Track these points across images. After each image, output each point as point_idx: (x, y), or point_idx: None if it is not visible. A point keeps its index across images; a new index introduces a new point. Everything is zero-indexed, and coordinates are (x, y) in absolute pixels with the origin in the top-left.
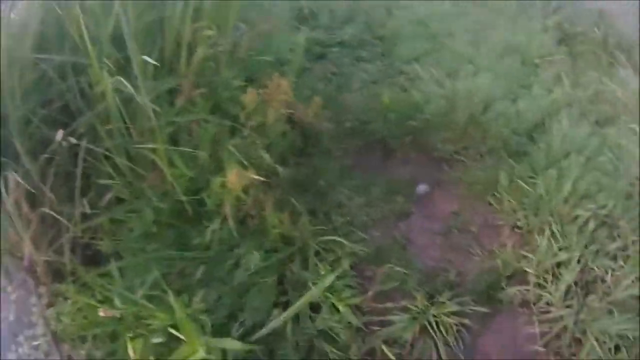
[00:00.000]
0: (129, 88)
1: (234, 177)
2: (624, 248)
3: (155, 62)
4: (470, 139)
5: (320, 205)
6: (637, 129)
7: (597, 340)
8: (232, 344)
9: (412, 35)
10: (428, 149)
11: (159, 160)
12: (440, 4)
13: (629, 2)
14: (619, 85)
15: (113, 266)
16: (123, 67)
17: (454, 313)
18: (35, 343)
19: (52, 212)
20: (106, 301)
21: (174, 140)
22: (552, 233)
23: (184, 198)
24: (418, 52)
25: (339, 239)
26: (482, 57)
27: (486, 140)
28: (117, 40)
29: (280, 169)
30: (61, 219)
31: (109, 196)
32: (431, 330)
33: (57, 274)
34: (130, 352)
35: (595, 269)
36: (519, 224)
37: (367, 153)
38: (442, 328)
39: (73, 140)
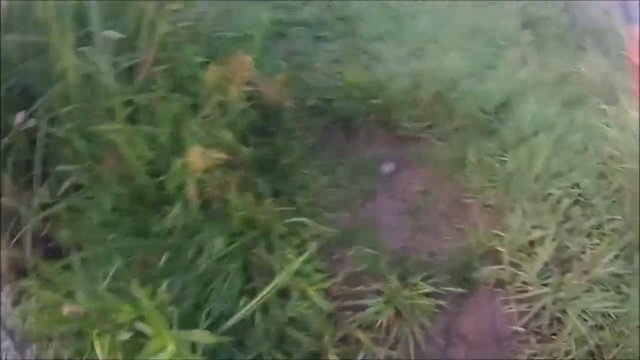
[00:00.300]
0: (91, 62)
1: (195, 157)
2: (599, 226)
3: (119, 34)
4: (436, 117)
5: (283, 186)
6: (607, 109)
7: (578, 319)
8: (203, 337)
9: (374, 16)
10: (393, 128)
11: (118, 140)
12: None
13: None
14: (587, 68)
15: (74, 258)
16: (84, 44)
17: (428, 295)
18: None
19: (10, 202)
20: (70, 296)
21: (133, 120)
22: (524, 211)
23: (143, 180)
24: (381, 32)
25: (304, 220)
26: (446, 37)
27: (452, 118)
28: (81, 18)
29: (242, 148)
30: (19, 209)
31: (67, 183)
32: (405, 313)
33: (22, 269)
34: (98, 351)
35: (571, 246)
36: (489, 202)
37: (331, 132)
38: (416, 311)
39: (33, 122)
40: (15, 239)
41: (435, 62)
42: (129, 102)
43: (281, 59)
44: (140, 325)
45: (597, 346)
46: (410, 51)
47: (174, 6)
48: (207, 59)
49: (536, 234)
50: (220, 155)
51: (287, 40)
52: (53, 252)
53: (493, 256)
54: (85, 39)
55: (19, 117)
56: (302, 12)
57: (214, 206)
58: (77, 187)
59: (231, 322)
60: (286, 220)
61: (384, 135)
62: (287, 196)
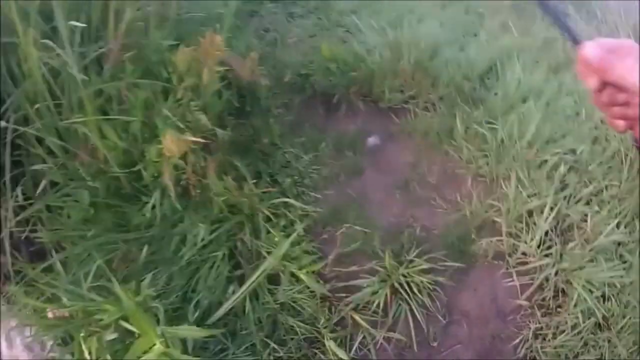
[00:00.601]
0: (56, 55)
1: (170, 143)
2: (597, 193)
3: (82, 24)
4: (419, 86)
5: (265, 167)
6: None
7: (583, 289)
8: (191, 331)
9: None
10: (375, 100)
11: (89, 132)
12: None
13: None
14: None
15: (55, 259)
16: (50, 39)
17: (425, 271)
18: None
19: None
20: (54, 299)
21: (104, 111)
22: (519, 179)
23: (118, 171)
24: (355, 5)
25: (289, 200)
26: (423, 6)
27: (436, 87)
28: (47, 13)
29: (219, 131)
30: None
31: (44, 183)
32: (403, 292)
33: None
34: (86, 353)
35: (571, 215)
36: (481, 172)
37: (311, 108)
38: (414, 289)
39: (2, 124)
40: None
41: (414, 32)
42: (99, 93)
43: (254, 36)
44: (126, 324)
45: (604, 317)
46: (387, 22)
47: None
48: (177, 42)
49: (534, 203)
50: (195, 139)
51: (259, 17)
52: (36, 254)
53: (490, 228)
54: (52, 34)
55: None
56: None
57: (194, 193)
58: (52, 186)
59: (221, 312)
60: (270, 202)
61: (366, 108)
62: (269, 177)
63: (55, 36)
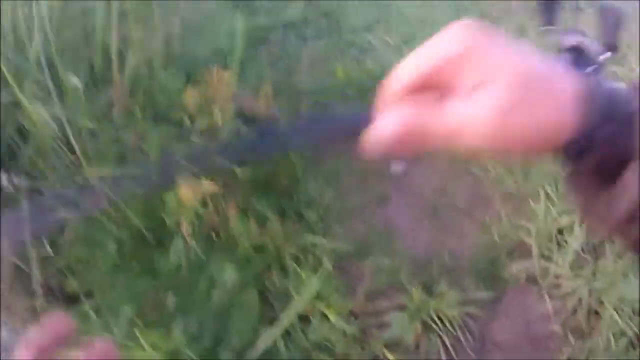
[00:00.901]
0: (58, 112)
1: (186, 190)
2: None
3: (78, 84)
4: None
5: (289, 204)
6: (617, 71)
7: (615, 309)
8: None
9: (358, 6)
10: None
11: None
12: None
13: None
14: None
15: (86, 306)
16: (53, 90)
17: (455, 303)
18: None
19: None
20: None
21: (119, 160)
22: (548, 196)
23: (138, 222)
24: (368, 22)
25: (315, 237)
26: (436, 17)
27: None
28: (47, 62)
29: (238, 170)
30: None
31: (67, 232)
32: (434, 326)
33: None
34: None
35: None
36: (509, 191)
37: (331, 137)
38: (445, 322)
39: (17, 182)
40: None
41: None
42: (111, 142)
43: (266, 65)
44: None
45: (637, 335)
46: (401, 37)
47: (138, 35)
48: (185, 82)
49: (564, 220)
50: (212, 187)
51: (269, 45)
52: (70, 298)
53: (521, 250)
54: (54, 84)
55: (3, 179)
56: (283, 14)
57: (217, 236)
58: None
59: (254, 354)
60: (296, 240)
61: None
62: (294, 214)
63: (59, 86)
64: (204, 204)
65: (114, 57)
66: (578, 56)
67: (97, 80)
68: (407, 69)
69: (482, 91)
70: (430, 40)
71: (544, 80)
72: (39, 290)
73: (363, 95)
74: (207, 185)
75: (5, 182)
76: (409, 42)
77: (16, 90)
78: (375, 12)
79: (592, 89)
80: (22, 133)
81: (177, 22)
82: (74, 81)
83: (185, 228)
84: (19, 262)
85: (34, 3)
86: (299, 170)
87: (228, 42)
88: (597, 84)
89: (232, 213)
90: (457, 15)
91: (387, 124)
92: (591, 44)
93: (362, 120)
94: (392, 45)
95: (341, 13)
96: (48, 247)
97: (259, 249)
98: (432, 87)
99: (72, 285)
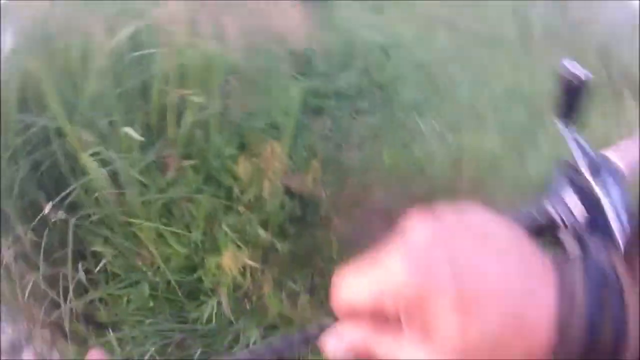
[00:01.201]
0: (112, 159)
1: (229, 260)
2: None
3: (139, 137)
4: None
5: (321, 282)
6: None
7: None
8: None
9: (411, 81)
10: None
11: (147, 239)
12: (439, 43)
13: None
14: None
15: (112, 337)
16: (106, 135)
17: None
18: None
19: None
20: None
21: (165, 214)
22: None
23: (172, 278)
24: (418, 101)
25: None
26: (485, 106)
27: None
28: (99, 105)
29: (278, 244)
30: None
31: (102, 264)
32: None
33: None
34: None
35: None
36: None
37: (370, 221)
38: None
39: (61, 215)
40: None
41: (474, 139)
42: (159, 197)
43: (318, 137)
44: None
45: None
46: (448, 124)
47: (197, 99)
48: (238, 149)
49: None
50: (253, 262)
51: (324, 115)
52: (98, 324)
53: None
54: (107, 130)
55: (47, 207)
56: (338, 81)
57: (251, 301)
58: (111, 271)
59: None
60: (322, 317)
61: None
62: (323, 293)
63: (113, 132)
64: (243, 273)
65: (170, 114)
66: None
67: (151, 133)
68: (355, 290)
69: (431, 339)
70: (381, 263)
71: (510, 318)
72: (67, 314)
73: (405, 183)
74: (248, 259)
75: (47, 210)
76: (455, 130)
77: (68, 131)
78: (426, 91)
79: (571, 314)
80: (74, 170)
81: (236, 84)
82: (133, 133)
83: (221, 291)
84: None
85: (90, 46)
86: (335, 253)
87: (284, 107)
88: (578, 300)
89: (267, 286)
90: (505, 107)
91: (334, 343)
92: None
93: (318, 333)
94: (437, 131)
95: (394, 87)
96: (84, 278)
97: (287, 319)
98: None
99: (102, 315)
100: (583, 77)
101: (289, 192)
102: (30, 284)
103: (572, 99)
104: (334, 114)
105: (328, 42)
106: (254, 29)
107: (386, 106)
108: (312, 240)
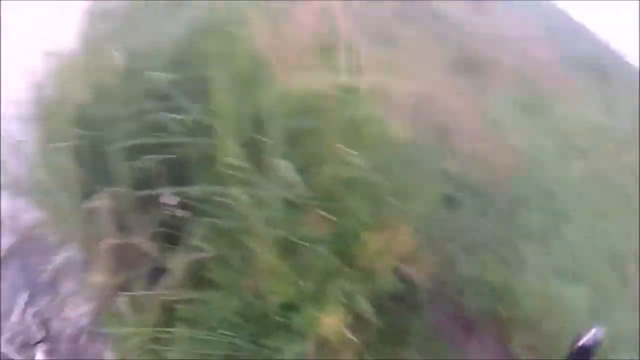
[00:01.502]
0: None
1: (329, 322)
2: None
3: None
4: None
5: None
6: None
7: None
8: None
9: (534, 201)
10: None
11: (259, 266)
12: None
13: None
14: None
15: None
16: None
17: None
18: None
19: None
20: None
21: (284, 252)
22: None
23: (271, 309)
24: (537, 228)
25: None
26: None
27: None
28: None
29: (373, 318)
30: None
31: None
32: None
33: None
34: None
35: None
36: None
37: (452, 326)
38: None
39: (186, 213)
40: None
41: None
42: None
43: (445, 236)
44: None
45: None
46: (557, 268)
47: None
48: (371, 216)
49: None
50: (347, 332)
51: (459, 211)
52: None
53: None
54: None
55: (170, 200)
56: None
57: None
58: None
59: None
60: None
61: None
62: None
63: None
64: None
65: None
66: None
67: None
68: None
69: None
70: None
71: None
72: None
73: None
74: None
75: (170, 200)
76: (562, 278)
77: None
78: (546, 218)
79: None
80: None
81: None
82: (288, 169)
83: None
84: None
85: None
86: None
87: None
88: None
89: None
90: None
91: None
92: None
93: None
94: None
95: (518, 199)
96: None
97: None
98: None
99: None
100: None
101: (400, 273)
102: None
103: None
104: (468, 211)
105: None
106: None
107: (505, 220)
108: (404, 321)
